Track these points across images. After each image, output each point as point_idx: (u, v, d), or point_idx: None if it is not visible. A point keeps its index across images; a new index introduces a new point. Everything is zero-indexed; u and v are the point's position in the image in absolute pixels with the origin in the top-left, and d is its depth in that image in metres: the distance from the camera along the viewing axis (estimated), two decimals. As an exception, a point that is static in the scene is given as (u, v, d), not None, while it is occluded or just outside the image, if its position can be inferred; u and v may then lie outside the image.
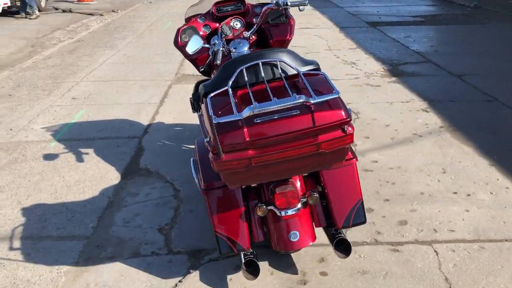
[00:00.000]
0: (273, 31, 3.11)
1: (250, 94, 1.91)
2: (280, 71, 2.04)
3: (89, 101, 5.02)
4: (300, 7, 3.13)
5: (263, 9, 3.11)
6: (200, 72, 2.99)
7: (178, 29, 3.08)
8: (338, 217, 2.19)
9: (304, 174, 2.25)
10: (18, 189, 3.27)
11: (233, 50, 2.86)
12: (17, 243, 2.69)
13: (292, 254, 2.49)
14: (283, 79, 1.99)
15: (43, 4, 12.12)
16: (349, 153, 2.21)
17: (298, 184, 2.17)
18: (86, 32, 9.42)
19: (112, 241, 2.70)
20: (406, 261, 2.42)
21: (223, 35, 2.92)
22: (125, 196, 3.15)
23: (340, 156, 1.96)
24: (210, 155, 1.85)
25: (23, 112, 4.76)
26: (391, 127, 4.07)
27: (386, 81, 5.37)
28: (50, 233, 2.77)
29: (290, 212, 2.10)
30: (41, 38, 8.89)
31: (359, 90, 5.07)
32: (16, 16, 10.95)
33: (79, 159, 3.69)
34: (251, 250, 2.19)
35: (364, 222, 2.23)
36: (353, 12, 10.42)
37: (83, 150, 3.83)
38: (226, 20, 3.12)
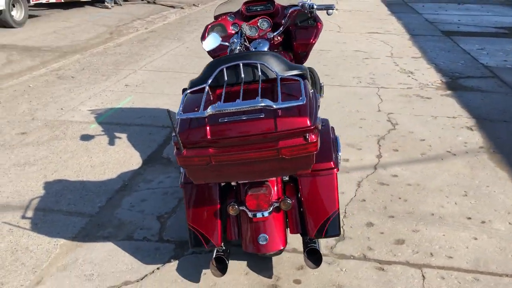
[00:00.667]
0: (298, 34, 3.11)
1: (223, 93, 1.94)
2: (261, 73, 2.04)
3: (139, 89, 5.28)
4: (328, 11, 3.09)
5: (290, 11, 3.11)
6: None
7: (207, 26, 3.16)
8: (311, 226, 2.15)
9: (285, 179, 2.23)
10: (48, 164, 3.54)
11: (252, 49, 2.89)
12: (30, 213, 2.92)
13: (273, 258, 2.48)
14: (259, 81, 1.99)
15: (131, -6, 12.90)
16: (331, 162, 2.15)
17: (275, 188, 2.15)
18: (162, 23, 9.86)
19: (113, 222, 2.85)
20: (387, 281, 2.32)
21: (244, 34, 2.95)
22: (140, 182, 3.30)
23: (304, 165, 1.92)
24: (174, 149, 1.90)
25: (78, 94, 5.12)
26: (426, 142, 3.87)
27: (439, 94, 5.09)
28: (61, 208, 2.98)
29: (260, 215, 2.09)
30: (120, 26, 9.44)
31: (406, 100, 4.86)
32: (100, 5, 11.73)
33: (111, 142, 3.91)
34: (224, 248, 2.22)
35: (338, 234, 2.16)
36: (431, 20, 9.93)
37: (117, 134, 4.05)
38: (253, 20, 3.15)
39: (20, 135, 4.05)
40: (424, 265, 2.43)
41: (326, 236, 2.16)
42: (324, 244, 2.59)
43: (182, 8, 12.16)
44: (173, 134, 1.92)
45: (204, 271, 2.39)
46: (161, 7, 12.30)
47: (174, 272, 2.39)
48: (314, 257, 2.17)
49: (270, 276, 2.36)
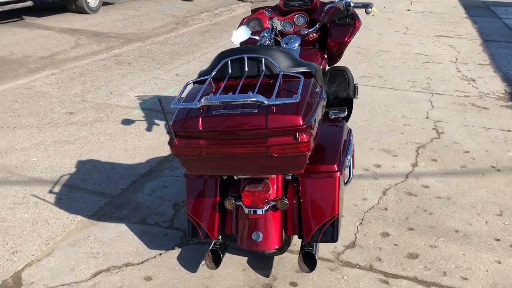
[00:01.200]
0: (333, 31, 3.05)
1: (222, 86, 1.92)
2: (265, 68, 2.00)
3: (188, 79, 5.38)
4: (367, 9, 2.99)
5: (326, 7, 3.04)
6: None
7: (243, 19, 3.15)
8: (307, 229, 2.08)
9: (287, 178, 2.18)
10: (85, 144, 3.71)
11: (284, 45, 2.85)
12: (57, 188, 3.08)
13: (275, 258, 2.43)
14: (260, 76, 1.95)
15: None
16: (334, 165, 2.07)
17: (274, 186, 2.11)
18: (227, 16, 9.99)
19: (131, 204, 2.93)
20: (388, 296, 2.20)
21: (275, 29, 2.92)
22: (166, 168, 3.36)
23: (296, 165, 1.85)
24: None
25: (129, 80, 5.31)
26: (470, 154, 3.62)
27: (499, 104, 4.73)
28: (86, 186, 3.11)
29: (256, 211, 2.06)
30: (188, 17, 9.68)
31: (460, 109, 4.57)
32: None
33: (149, 128, 4.02)
34: (221, 241, 2.21)
35: (334, 240, 2.07)
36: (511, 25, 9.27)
37: (156, 121, 4.16)
38: (289, 15, 3.11)
39: (68, 115, 4.28)
40: (434, 283, 2.27)
41: (321, 241, 2.08)
42: (331, 249, 2.50)
43: (251, 1, 12.22)
44: (166, 123, 1.93)
45: (203, 262, 2.39)
46: (231, 0, 12.46)
47: (175, 260, 2.42)
48: (309, 260, 2.11)
49: (267, 275, 2.31)
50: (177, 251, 2.49)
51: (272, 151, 1.77)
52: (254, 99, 1.72)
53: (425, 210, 2.87)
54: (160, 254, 2.47)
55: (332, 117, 2.98)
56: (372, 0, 3.33)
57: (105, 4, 10.12)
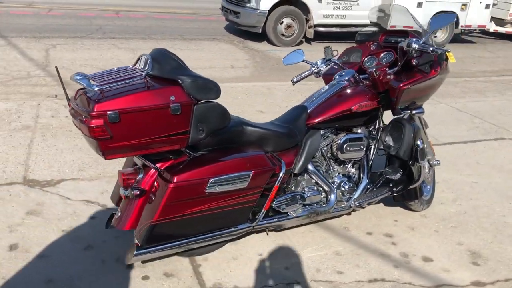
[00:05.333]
0: (398, 74, 2.90)
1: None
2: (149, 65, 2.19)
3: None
4: (438, 53, 2.75)
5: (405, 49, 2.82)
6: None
7: (346, 49, 3.16)
8: (138, 225, 2.30)
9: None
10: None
11: (336, 77, 2.93)
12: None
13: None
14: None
15: None
16: (175, 177, 2.20)
17: (148, 176, 2.30)
18: None
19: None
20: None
21: (325, 59, 3.05)
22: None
23: (95, 146, 2.04)
24: None
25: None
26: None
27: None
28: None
29: (123, 191, 2.29)
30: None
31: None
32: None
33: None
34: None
35: (141, 245, 2.29)
36: None
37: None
38: (379, 51, 2.96)
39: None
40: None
41: (138, 242, 2.30)
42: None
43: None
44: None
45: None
46: None
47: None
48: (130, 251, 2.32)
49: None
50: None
51: (84, 132, 2.04)
52: (85, 85, 1.98)
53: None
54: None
55: (384, 177, 2.94)
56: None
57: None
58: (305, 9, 9.26)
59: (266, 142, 2.58)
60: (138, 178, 2.31)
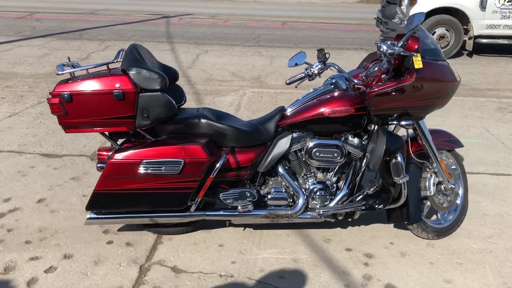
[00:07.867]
0: (378, 79, 2.74)
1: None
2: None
3: None
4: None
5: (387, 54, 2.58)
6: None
7: (369, 54, 3.10)
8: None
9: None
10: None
11: (325, 81, 2.94)
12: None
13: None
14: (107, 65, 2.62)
15: None
16: (115, 154, 2.61)
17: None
18: None
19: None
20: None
21: (321, 61, 2.94)
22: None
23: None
24: None
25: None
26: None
27: None
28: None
29: (96, 165, 2.76)
30: None
31: None
32: None
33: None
34: None
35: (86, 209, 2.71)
36: None
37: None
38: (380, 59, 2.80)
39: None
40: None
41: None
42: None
43: None
44: None
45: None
46: None
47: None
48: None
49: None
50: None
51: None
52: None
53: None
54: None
55: (363, 190, 2.85)
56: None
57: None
58: (464, 19, 8.43)
59: (224, 137, 2.72)
60: (109, 154, 2.69)
